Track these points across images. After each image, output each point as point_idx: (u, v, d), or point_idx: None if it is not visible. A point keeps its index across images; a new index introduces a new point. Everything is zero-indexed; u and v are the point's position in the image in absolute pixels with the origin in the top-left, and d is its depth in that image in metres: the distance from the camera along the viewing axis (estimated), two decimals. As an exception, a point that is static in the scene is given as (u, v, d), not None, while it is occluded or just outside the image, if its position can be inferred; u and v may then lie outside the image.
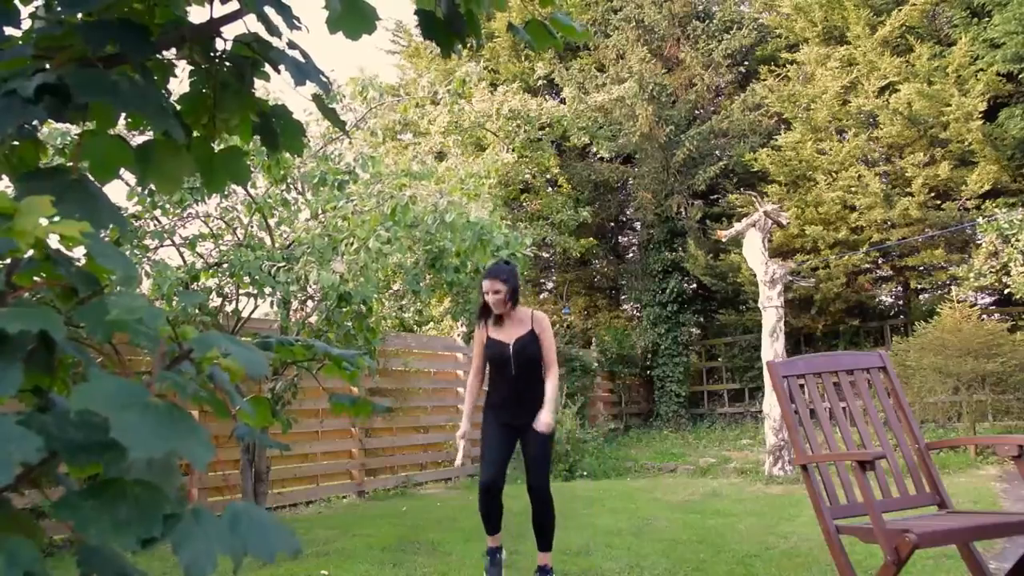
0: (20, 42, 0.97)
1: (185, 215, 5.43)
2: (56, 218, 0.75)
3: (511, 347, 3.74)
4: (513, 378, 3.74)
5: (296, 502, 6.60)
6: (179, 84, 1.19)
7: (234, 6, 1.06)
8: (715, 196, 13.82)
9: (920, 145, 10.89)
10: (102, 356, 3.47)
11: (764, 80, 13.03)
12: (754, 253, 8.04)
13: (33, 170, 0.93)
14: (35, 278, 0.80)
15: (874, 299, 12.68)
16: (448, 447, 8.51)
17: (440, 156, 11.61)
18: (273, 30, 1.04)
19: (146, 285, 4.82)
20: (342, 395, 1.18)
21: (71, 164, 0.91)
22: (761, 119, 12.81)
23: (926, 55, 10.71)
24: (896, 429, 3.16)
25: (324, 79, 1.13)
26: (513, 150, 11.92)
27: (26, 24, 1.00)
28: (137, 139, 1.44)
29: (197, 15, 1.14)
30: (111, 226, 0.90)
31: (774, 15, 13.66)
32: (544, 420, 3.62)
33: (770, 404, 7.66)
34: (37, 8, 1.02)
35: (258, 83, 1.17)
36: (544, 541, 3.75)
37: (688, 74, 13.58)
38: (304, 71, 1.10)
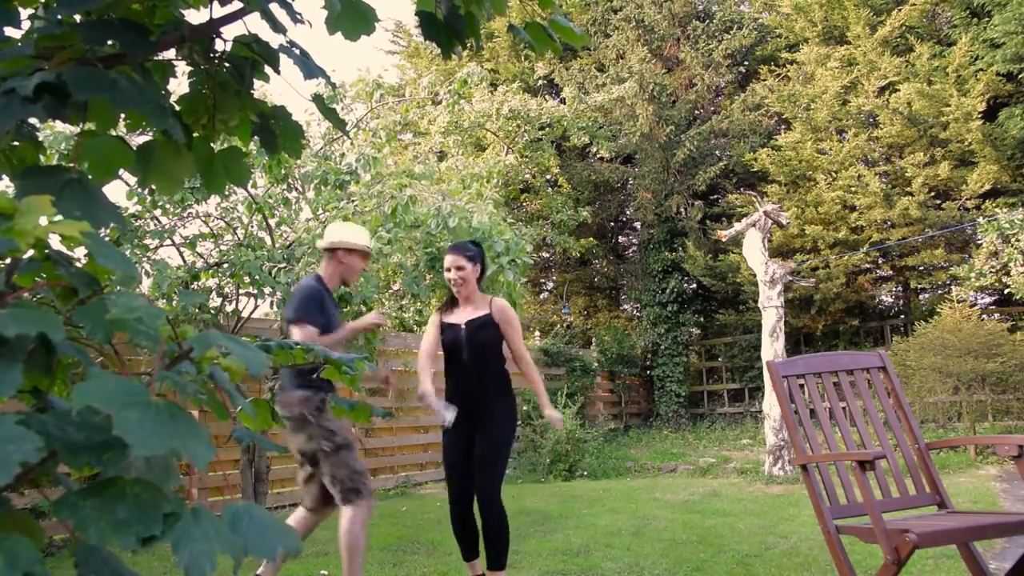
0: (20, 42, 0.97)
1: (185, 215, 5.44)
2: (56, 217, 0.75)
3: (463, 329, 3.36)
4: (466, 363, 3.36)
5: (296, 502, 6.58)
6: (179, 84, 1.19)
7: (234, 6, 1.06)
8: (715, 196, 13.81)
9: (920, 145, 10.89)
10: (102, 356, 3.47)
11: (764, 80, 13.03)
12: (754, 253, 8.04)
13: (31, 168, 0.93)
14: (35, 278, 0.80)
15: (874, 299, 12.67)
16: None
17: (440, 156, 11.62)
18: (278, 27, 1.04)
19: (146, 285, 4.83)
20: (341, 399, 1.18)
21: (71, 163, 0.91)
22: (761, 119, 12.81)
23: (926, 55, 10.71)
24: (896, 429, 3.16)
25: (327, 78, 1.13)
26: (513, 150, 11.92)
27: (26, 24, 1.00)
28: (137, 139, 1.44)
29: (197, 15, 1.14)
30: (111, 225, 0.90)
31: (774, 15, 13.66)
32: (554, 416, 3.42)
33: (770, 404, 7.65)
34: (37, 8, 1.02)
35: (257, 84, 1.17)
36: (493, 558, 3.25)
37: (688, 74, 13.59)
38: (309, 68, 1.11)
